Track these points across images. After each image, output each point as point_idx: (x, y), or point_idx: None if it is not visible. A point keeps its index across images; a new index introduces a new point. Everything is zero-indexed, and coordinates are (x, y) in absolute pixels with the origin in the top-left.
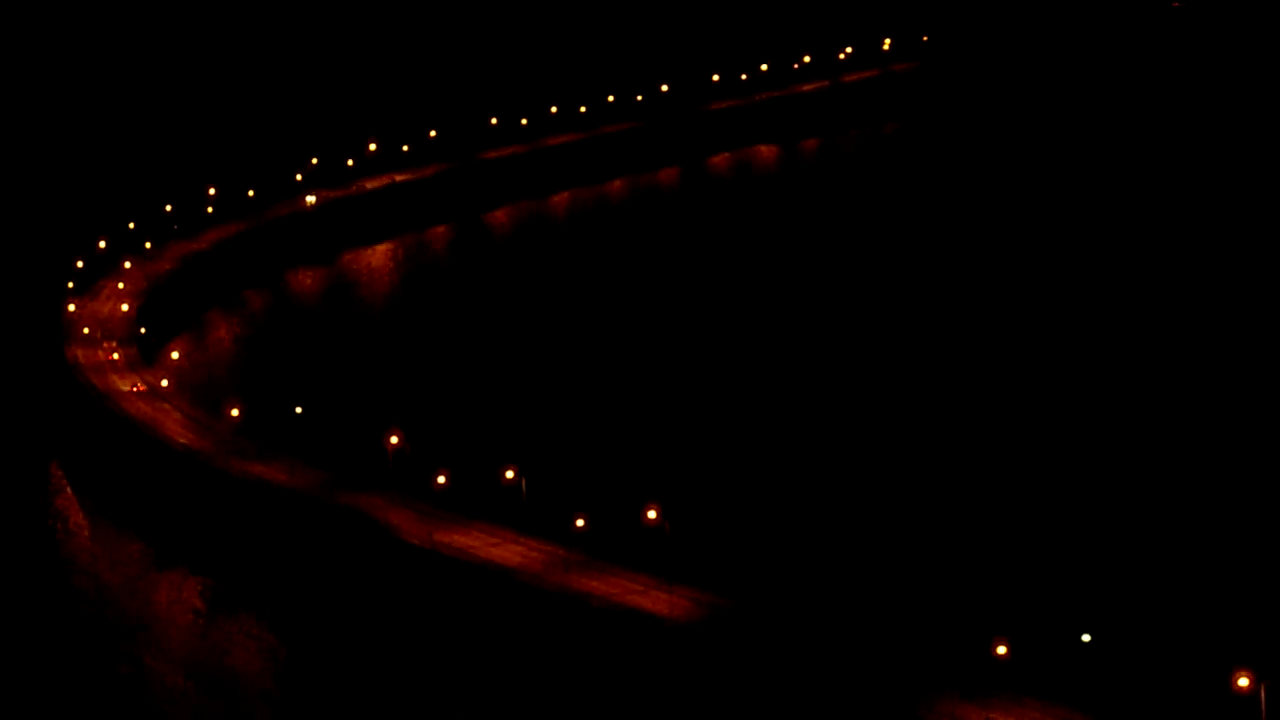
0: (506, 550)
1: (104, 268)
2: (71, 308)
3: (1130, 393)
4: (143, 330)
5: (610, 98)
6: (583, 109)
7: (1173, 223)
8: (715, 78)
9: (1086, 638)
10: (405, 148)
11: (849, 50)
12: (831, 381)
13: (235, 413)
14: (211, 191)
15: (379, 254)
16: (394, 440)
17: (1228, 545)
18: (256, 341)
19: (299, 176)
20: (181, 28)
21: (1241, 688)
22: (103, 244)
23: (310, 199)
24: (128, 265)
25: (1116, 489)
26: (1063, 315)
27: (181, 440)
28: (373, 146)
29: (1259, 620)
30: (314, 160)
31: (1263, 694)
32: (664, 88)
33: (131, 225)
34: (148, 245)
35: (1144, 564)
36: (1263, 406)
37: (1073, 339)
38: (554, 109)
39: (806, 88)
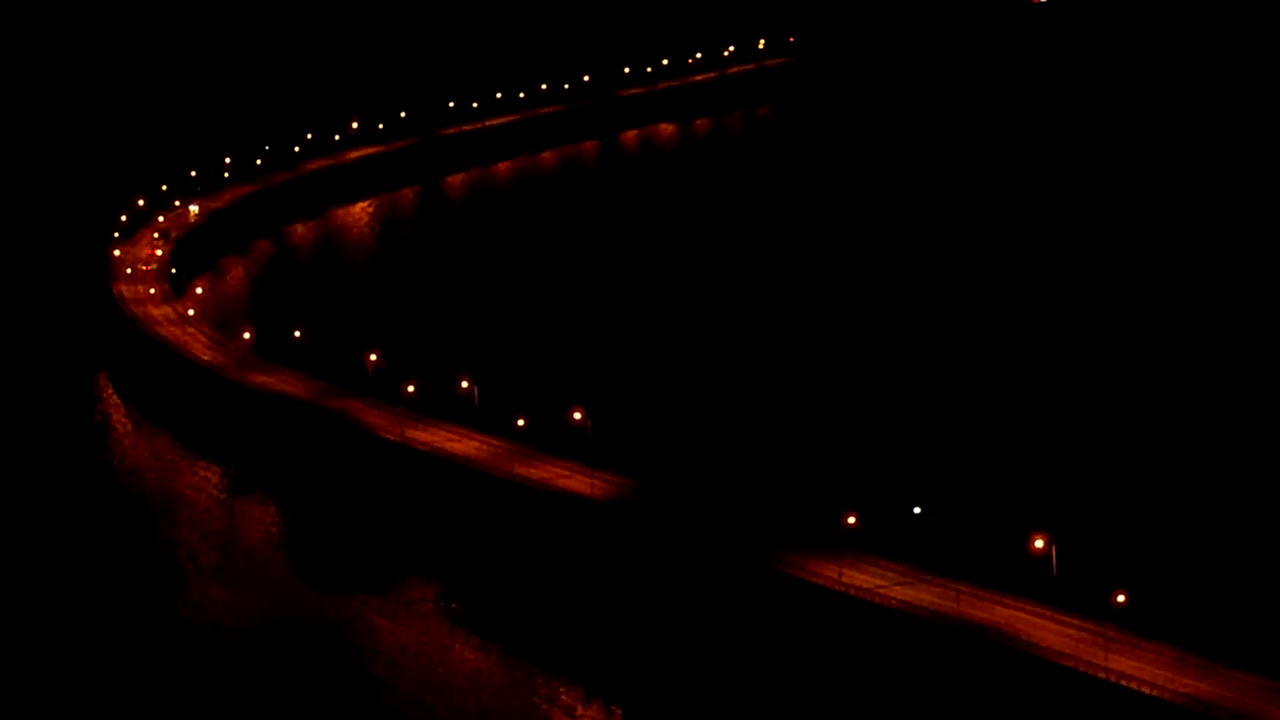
0: (463, 444)
1: (142, 220)
2: (117, 252)
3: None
4: (173, 270)
5: (543, 85)
6: (520, 94)
7: (1014, 207)
8: (626, 70)
9: (917, 510)
10: (380, 125)
11: (731, 49)
12: (710, 308)
13: (247, 336)
14: (227, 160)
15: (360, 210)
16: (373, 357)
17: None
18: (264, 280)
19: (297, 148)
20: (208, 38)
21: (1038, 549)
22: (141, 202)
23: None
24: (161, 219)
25: (943, 377)
26: (895, 267)
27: (205, 357)
28: (355, 125)
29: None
30: (309, 135)
31: (1054, 555)
32: (585, 78)
33: (164, 187)
34: (177, 203)
35: (969, 450)
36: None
37: (897, 294)
38: (498, 94)
39: (699, 78)
